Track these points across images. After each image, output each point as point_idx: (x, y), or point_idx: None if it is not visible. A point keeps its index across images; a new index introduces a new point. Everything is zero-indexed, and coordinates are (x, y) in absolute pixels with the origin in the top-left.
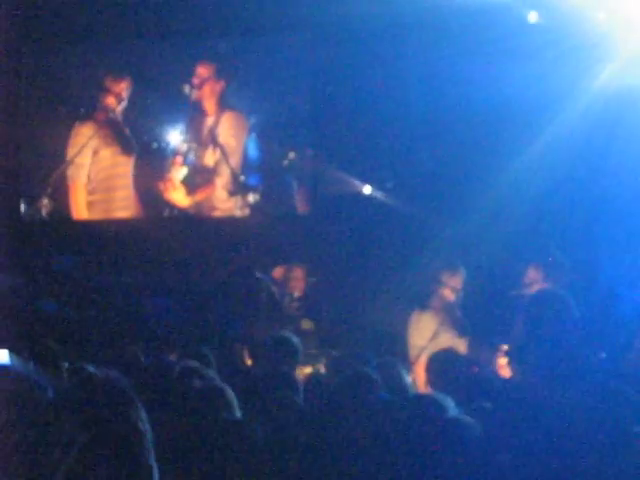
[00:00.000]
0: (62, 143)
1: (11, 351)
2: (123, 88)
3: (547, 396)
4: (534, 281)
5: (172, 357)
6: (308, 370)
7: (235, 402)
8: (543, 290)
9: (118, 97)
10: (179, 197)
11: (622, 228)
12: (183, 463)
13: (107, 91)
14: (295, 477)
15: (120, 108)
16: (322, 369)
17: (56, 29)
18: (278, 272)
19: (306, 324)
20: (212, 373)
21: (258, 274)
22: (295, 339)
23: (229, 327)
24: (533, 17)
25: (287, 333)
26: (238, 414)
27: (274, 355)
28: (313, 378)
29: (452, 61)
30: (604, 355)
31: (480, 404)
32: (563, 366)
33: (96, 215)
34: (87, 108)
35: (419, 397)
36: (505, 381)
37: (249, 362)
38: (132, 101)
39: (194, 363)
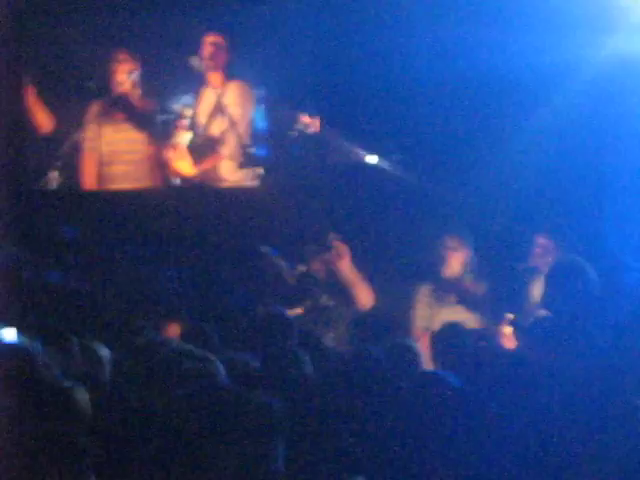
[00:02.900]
0: (72, 116)
1: (19, 330)
2: (131, 62)
3: (556, 370)
4: (542, 253)
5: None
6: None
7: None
8: (563, 258)
9: (127, 71)
10: (185, 166)
11: (627, 199)
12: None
13: (115, 65)
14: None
15: (129, 82)
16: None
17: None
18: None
19: (323, 300)
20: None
21: (263, 248)
22: (286, 315)
23: (233, 302)
24: None
25: (280, 308)
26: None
27: (267, 331)
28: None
29: (457, 29)
30: (610, 329)
31: (487, 379)
32: (572, 340)
33: (106, 187)
34: (96, 82)
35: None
36: (513, 355)
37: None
38: (140, 74)
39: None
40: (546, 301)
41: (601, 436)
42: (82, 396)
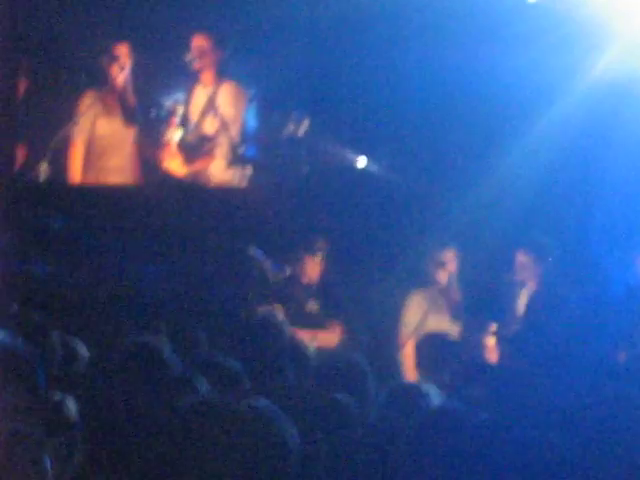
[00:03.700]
0: (63, 109)
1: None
2: (125, 55)
3: (540, 381)
4: (528, 266)
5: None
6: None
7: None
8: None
9: (120, 64)
10: (176, 165)
11: (613, 212)
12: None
13: (109, 58)
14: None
15: (122, 75)
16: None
17: None
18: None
19: (309, 305)
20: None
21: (250, 249)
22: (277, 320)
23: (218, 303)
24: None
25: (269, 313)
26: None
27: (255, 337)
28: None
29: (452, 38)
30: (597, 340)
31: (470, 389)
32: (556, 351)
33: (94, 180)
34: (89, 74)
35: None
36: (496, 366)
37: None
38: (133, 69)
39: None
40: (532, 317)
41: (582, 453)
42: (71, 407)
